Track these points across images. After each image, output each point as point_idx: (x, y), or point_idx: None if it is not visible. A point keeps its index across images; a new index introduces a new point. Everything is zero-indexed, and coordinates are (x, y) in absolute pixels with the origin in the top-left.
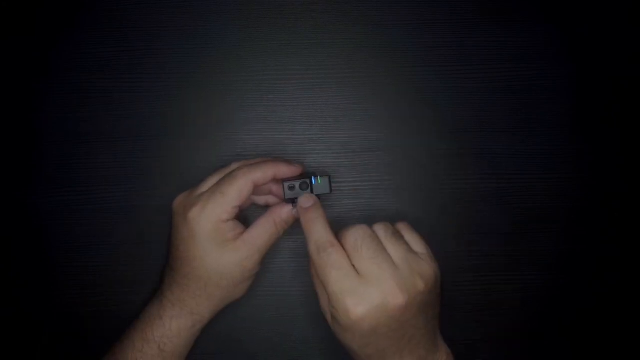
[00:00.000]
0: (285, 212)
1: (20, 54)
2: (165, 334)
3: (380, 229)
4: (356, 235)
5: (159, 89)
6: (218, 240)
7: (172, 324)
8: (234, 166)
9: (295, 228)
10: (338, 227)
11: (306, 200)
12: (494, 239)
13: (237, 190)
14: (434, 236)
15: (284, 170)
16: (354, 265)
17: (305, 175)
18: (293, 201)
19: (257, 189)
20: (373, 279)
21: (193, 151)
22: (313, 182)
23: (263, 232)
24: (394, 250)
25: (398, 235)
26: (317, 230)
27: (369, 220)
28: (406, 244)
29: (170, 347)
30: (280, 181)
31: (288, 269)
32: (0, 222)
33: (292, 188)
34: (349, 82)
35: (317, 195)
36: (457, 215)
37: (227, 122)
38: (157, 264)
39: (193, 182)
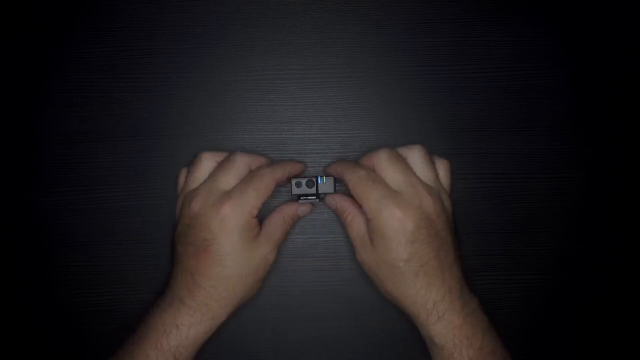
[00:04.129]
0: (293, 209)
1: (20, 54)
2: (182, 344)
3: (414, 153)
4: (386, 156)
5: (159, 89)
6: (248, 236)
7: (190, 332)
8: (238, 158)
9: (294, 228)
10: (336, 227)
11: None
12: (494, 239)
13: (265, 187)
14: None
15: (298, 169)
16: None
17: (311, 175)
18: (299, 197)
19: None
20: (407, 189)
21: (193, 151)
22: (319, 182)
23: (279, 227)
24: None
25: (429, 162)
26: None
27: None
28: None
29: (185, 356)
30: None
31: (288, 269)
32: (1, 222)
33: (299, 185)
34: (349, 82)
35: (321, 194)
36: (457, 215)
37: (227, 122)
38: (157, 264)
39: None
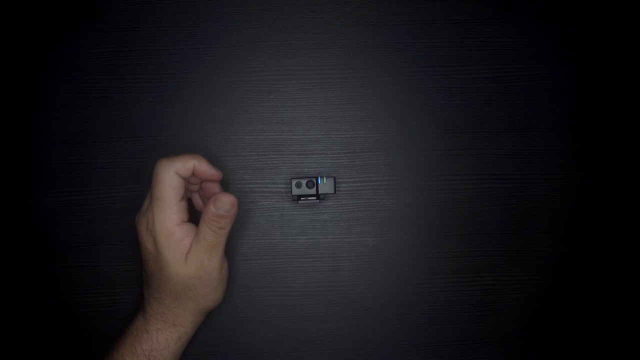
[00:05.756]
0: (208, 210)
1: (21, 54)
2: (153, 347)
3: None
4: None
5: (159, 89)
6: (176, 249)
7: (159, 336)
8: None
9: (294, 228)
10: (335, 228)
11: None
12: (494, 239)
13: (167, 187)
14: (434, 236)
15: (205, 166)
16: None
17: (311, 175)
18: (299, 198)
19: (188, 184)
20: None
21: (193, 151)
22: (319, 182)
23: (207, 230)
24: None
25: None
26: None
27: (369, 221)
28: None
29: (160, 359)
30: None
31: (288, 269)
32: (1, 222)
33: (299, 185)
34: (349, 82)
35: (321, 194)
36: (457, 215)
37: (227, 122)
38: None
39: None
